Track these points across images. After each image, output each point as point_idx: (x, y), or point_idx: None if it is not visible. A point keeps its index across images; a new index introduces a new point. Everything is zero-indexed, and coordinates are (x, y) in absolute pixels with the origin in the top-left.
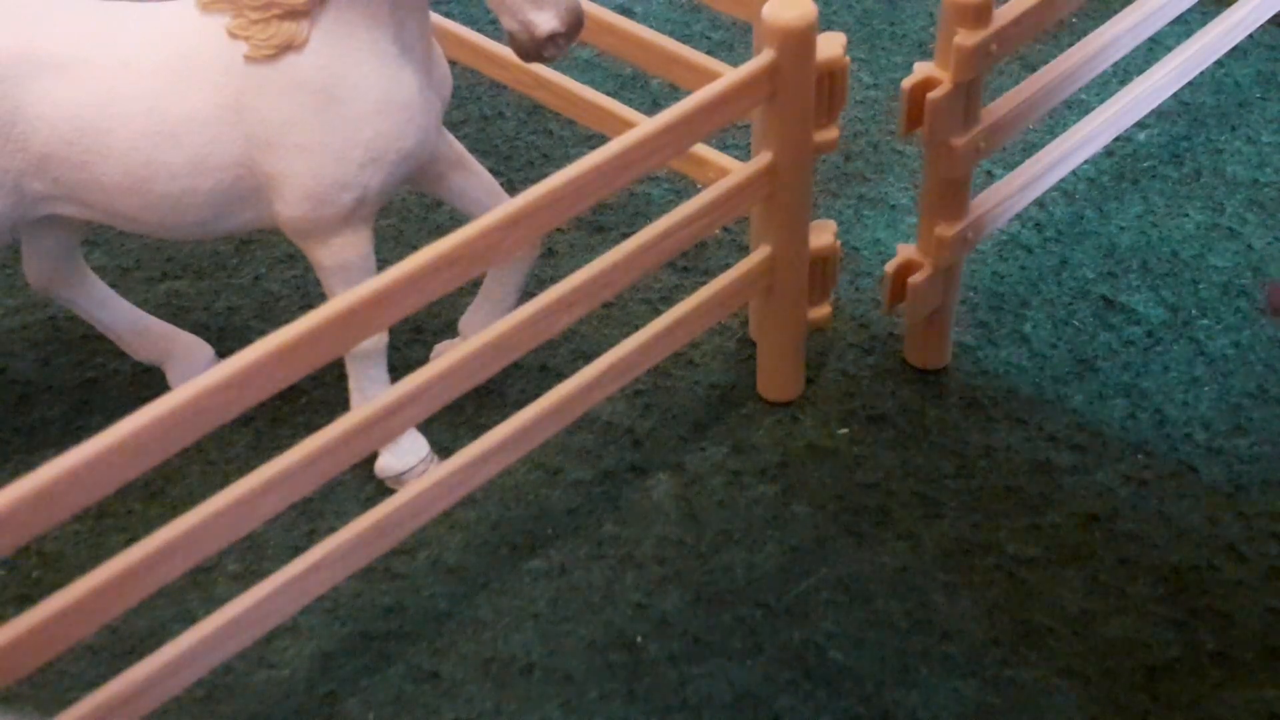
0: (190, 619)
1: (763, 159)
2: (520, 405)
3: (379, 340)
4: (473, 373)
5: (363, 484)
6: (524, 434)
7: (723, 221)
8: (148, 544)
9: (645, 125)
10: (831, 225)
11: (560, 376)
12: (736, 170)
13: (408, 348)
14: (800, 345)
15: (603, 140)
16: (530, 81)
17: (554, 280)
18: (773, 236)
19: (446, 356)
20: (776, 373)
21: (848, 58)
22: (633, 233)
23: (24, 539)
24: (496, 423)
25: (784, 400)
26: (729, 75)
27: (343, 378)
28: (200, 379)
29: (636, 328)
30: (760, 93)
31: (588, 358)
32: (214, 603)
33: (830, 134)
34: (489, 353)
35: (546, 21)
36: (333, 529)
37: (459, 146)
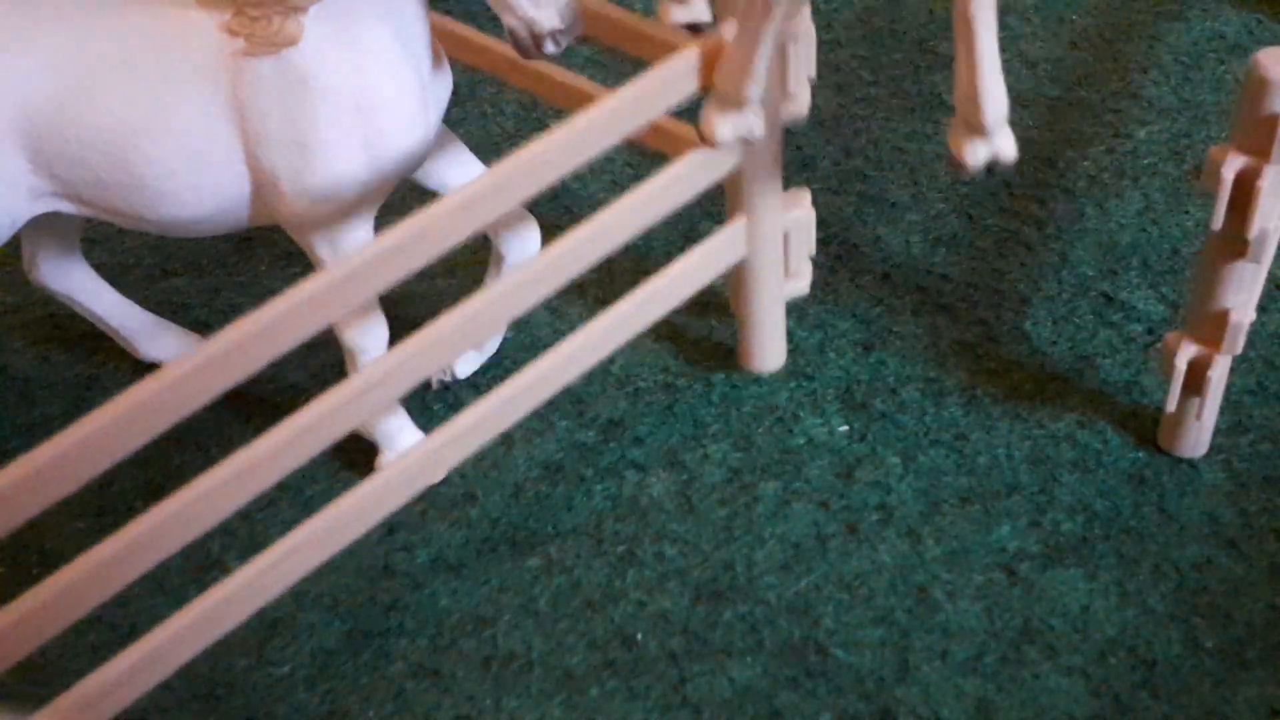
0: None
1: None
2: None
3: (379, 337)
4: (453, 344)
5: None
6: (505, 408)
7: (692, 192)
8: (146, 519)
9: (614, 95)
10: (806, 194)
11: None
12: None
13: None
14: (780, 315)
15: None
16: (530, 77)
17: None
18: (745, 205)
19: (423, 331)
20: (758, 343)
21: (811, 26)
22: None
23: (20, 519)
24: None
25: (767, 371)
26: (689, 48)
27: (343, 374)
28: (196, 350)
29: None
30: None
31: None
32: None
33: (797, 103)
34: (467, 323)
35: (547, 19)
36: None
37: (459, 143)
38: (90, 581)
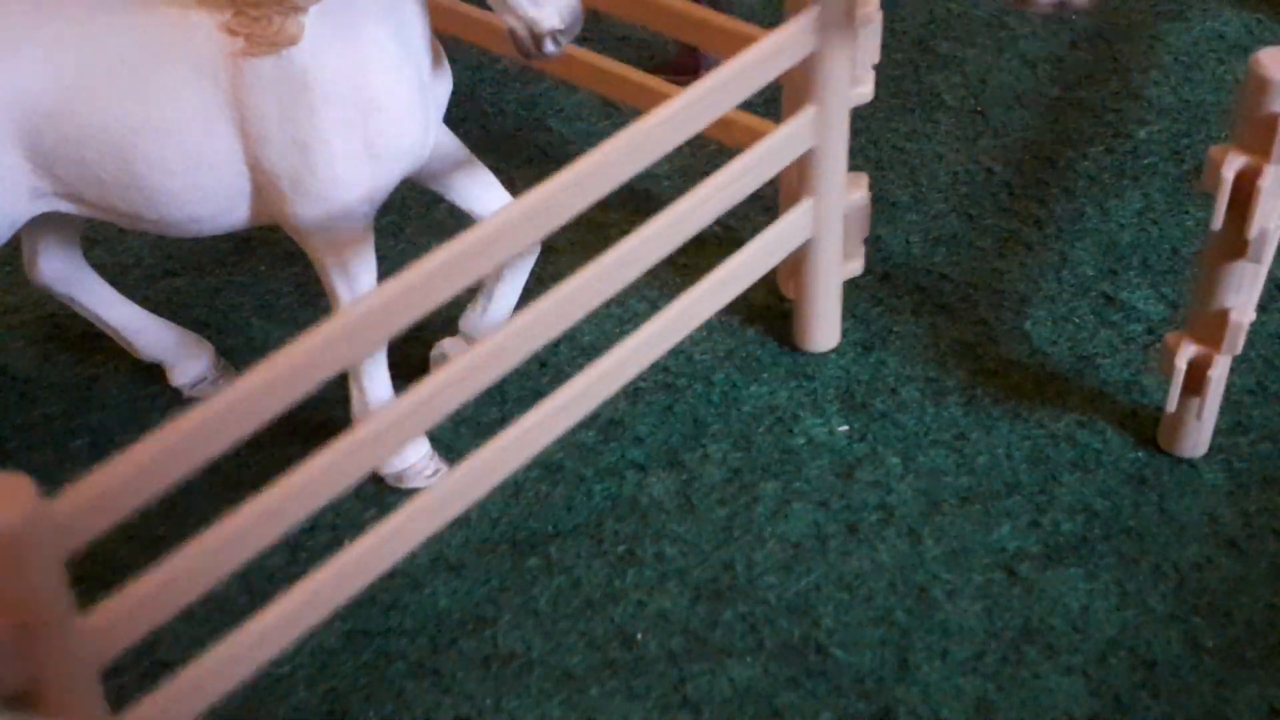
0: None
1: (807, 112)
2: (520, 401)
3: None
4: (510, 357)
5: (364, 483)
6: (530, 433)
7: (765, 177)
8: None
9: (702, 82)
10: (864, 178)
11: (560, 372)
12: (784, 125)
13: (407, 345)
14: (838, 296)
15: (607, 133)
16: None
17: (554, 278)
18: (813, 188)
19: (474, 350)
20: (815, 323)
21: (879, 13)
22: (634, 229)
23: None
24: (496, 419)
25: (823, 350)
26: (778, 31)
27: (342, 377)
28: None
29: (639, 325)
30: (808, 46)
31: (588, 354)
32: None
33: (866, 86)
34: (526, 331)
35: (548, 18)
36: (334, 527)
37: (459, 143)
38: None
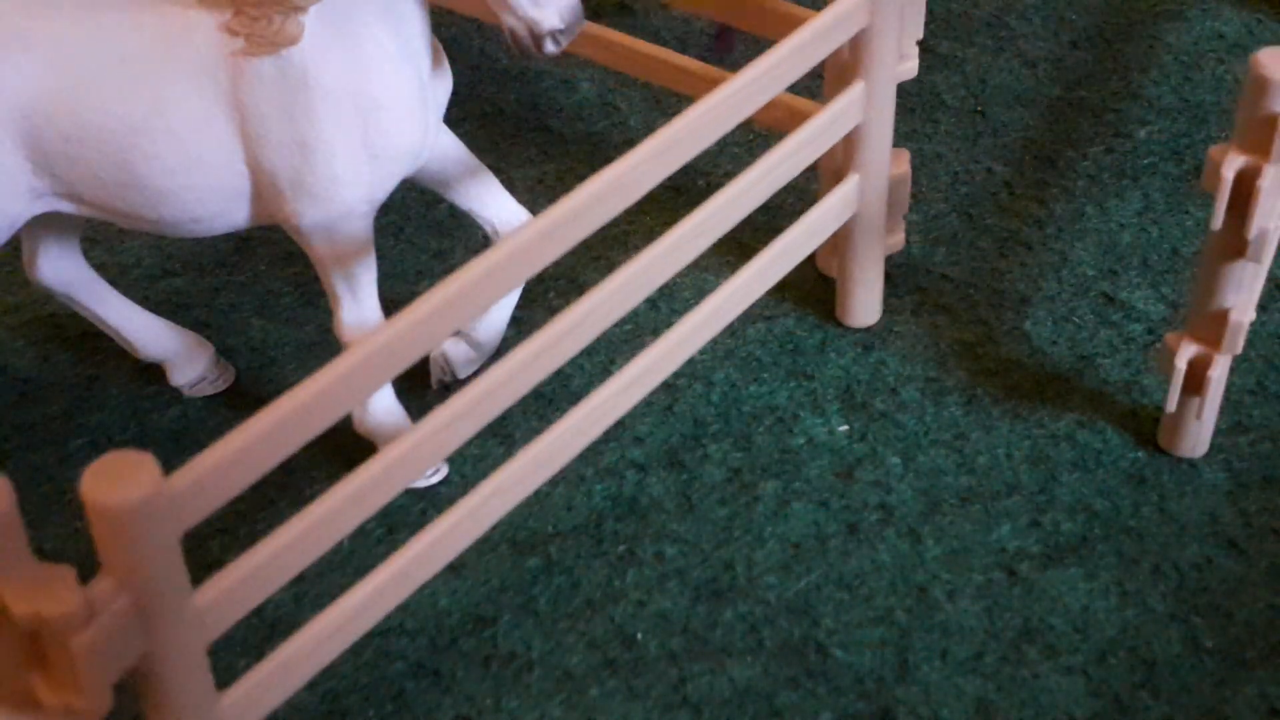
0: None
1: (856, 88)
2: (522, 403)
3: None
4: (560, 354)
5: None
6: (595, 415)
7: (816, 155)
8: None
9: (761, 60)
10: (905, 153)
11: (562, 374)
12: (833, 102)
13: None
14: (880, 271)
15: (607, 133)
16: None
17: (553, 276)
18: (861, 162)
19: (538, 336)
20: (858, 298)
21: None
22: (634, 228)
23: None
24: (497, 421)
25: (866, 326)
26: (831, 7)
27: None
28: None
29: (638, 325)
30: (860, 22)
31: (588, 354)
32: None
33: (912, 61)
34: (582, 322)
35: (548, 19)
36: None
37: (459, 143)
38: None
